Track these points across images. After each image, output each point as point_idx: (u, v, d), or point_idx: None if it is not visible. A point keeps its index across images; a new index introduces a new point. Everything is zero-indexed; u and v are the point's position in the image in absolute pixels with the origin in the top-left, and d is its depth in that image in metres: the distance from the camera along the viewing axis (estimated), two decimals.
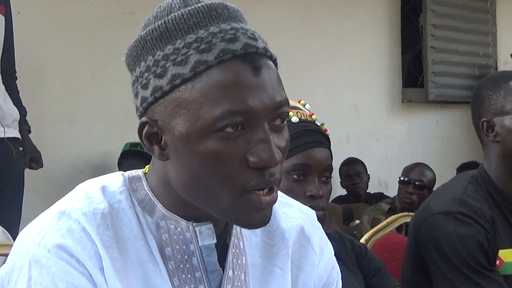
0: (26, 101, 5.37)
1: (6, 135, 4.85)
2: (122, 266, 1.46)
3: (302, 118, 2.39)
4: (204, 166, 1.41)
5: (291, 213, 1.71)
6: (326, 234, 2.45)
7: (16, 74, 5.07)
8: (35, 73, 5.37)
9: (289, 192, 2.25)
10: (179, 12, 1.43)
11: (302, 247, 1.70)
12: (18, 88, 5.07)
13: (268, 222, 1.48)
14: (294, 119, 2.36)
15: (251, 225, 1.48)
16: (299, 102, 2.47)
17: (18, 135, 4.97)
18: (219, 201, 1.44)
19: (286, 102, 1.44)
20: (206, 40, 1.39)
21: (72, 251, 1.41)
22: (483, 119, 2.75)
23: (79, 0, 5.70)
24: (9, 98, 4.94)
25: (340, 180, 6.94)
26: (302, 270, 1.68)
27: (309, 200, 2.33)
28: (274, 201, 1.46)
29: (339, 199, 6.98)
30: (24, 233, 1.49)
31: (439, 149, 8.26)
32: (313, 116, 2.43)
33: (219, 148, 1.38)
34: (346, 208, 6.55)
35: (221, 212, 1.47)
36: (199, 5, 1.43)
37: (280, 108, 1.42)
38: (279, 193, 1.67)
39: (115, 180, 1.56)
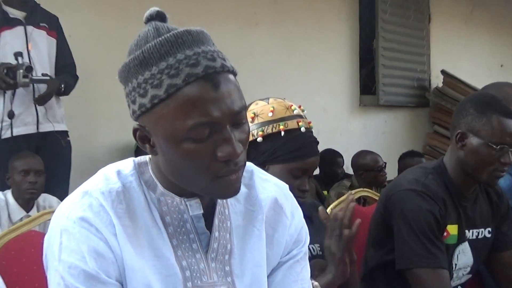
0: (78, 103, 5.41)
1: (56, 129, 4.88)
2: (132, 231, 1.47)
3: (306, 127, 2.32)
4: (183, 161, 1.41)
5: (268, 187, 1.68)
6: (305, 202, 2.44)
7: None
8: (85, 82, 5.32)
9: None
10: (153, 43, 1.40)
11: (276, 213, 1.67)
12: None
13: (238, 192, 1.49)
14: (303, 129, 2.29)
15: (225, 197, 1.53)
16: (299, 107, 2.38)
17: (66, 128, 4.98)
18: (198, 184, 1.45)
19: (243, 108, 1.43)
20: (174, 66, 1.37)
21: (91, 221, 1.44)
22: (460, 130, 2.70)
23: (119, 23, 5.66)
24: (61, 101, 4.94)
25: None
26: (276, 231, 1.66)
27: (301, 193, 2.29)
28: (239, 178, 1.47)
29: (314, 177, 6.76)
30: (58, 209, 1.51)
31: (387, 141, 8.24)
32: (311, 124, 2.36)
33: (193, 148, 1.39)
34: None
35: (200, 191, 1.49)
36: (168, 34, 1.40)
37: (237, 114, 1.41)
38: (260, 170, 1.72)
39: (128, 165, 1.56)
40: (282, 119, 2.29)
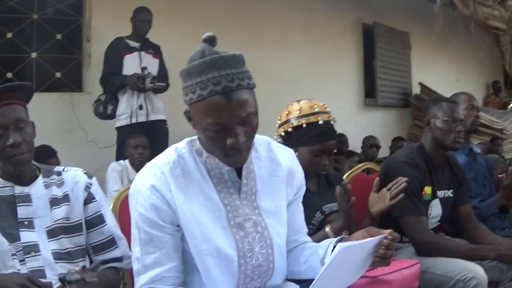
0: (172, 102, 5.31)
1: (159, 118, 4.96)
2: (185, 185, 1.52)
3: (325, 119, 2.28)
4: (207, 141, 1.48)
5: (282, 152, 1.72)
6: (329, 173, 2.42)
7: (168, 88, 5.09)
8: (176, 88, 5.33)
9: (310, 162, 2.25)
10: (196, 62, 1.43)
11: (293, 168, 1.72)
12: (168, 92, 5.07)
13: (243, 164, 1.54)
14: (321, 122, 2.26)
15: (232, 167, 1.56)
16: (323, 105, 2.36)
17: (165, 118, 5.03)
18: (216, 156, 1.52)
19: (250, 114, 1.44)
20: (204, 83, 1.41)
21: (154, 185, 1.51)
22: (427, 118, 2.77)
23: (195, 47, 5.70)
24: (159, 98, 4.99)
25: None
26: (294, 178, 1.71)
27: (322, 167, 2.27)
28: (243, 156, 1.49)
29: None
30: (138, 174, 1.57)
31: (382, 129, 8.11)
32: (330, 117, 2.32)
33: (212, 135, 1.44)
34: (335, 159, 6.37)
35: (220, 160, 1.53)
36: (208, 58, 1.43)
37: (245, 118, 1.43)
38: (273, 141, 1.74)
39: (183, 142, 1.61)
40: (305, 115, 2.27)
